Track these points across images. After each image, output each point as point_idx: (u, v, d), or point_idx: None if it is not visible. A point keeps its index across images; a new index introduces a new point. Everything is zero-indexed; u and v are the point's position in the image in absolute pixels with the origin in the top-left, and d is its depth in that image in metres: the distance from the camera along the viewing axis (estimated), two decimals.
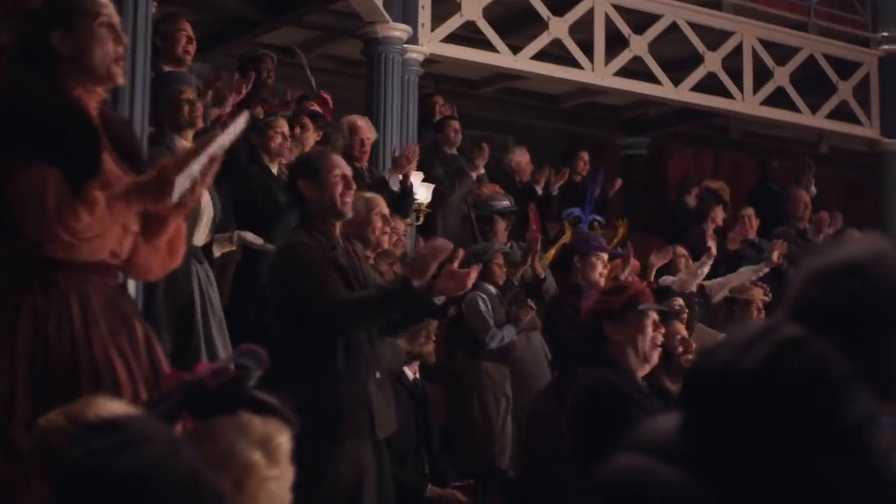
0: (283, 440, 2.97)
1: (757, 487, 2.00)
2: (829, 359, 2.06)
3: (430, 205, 10.02)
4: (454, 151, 10.94)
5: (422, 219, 9.86)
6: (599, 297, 5.45)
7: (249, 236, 7.32)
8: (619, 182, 12.28)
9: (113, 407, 2.95)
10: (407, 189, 8.96)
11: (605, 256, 7.96)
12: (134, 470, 2.04)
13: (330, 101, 9.58)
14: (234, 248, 7.36)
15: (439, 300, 5.31)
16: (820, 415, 2.02)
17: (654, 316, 5.25)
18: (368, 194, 6.41)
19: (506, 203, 9.93)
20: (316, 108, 9.24)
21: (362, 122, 9.37)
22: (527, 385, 8.39)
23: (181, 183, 3.95)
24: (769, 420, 2.03)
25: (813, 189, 13.64)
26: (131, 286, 5.45)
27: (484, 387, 8.26)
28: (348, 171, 5.58)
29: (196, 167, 3.98)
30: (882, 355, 2.15)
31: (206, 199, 6.69)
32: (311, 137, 8.82)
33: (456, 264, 5.36)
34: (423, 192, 9.72)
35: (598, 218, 11.68)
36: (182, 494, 2.02)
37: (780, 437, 2.02)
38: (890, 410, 2.16)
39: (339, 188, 5.47)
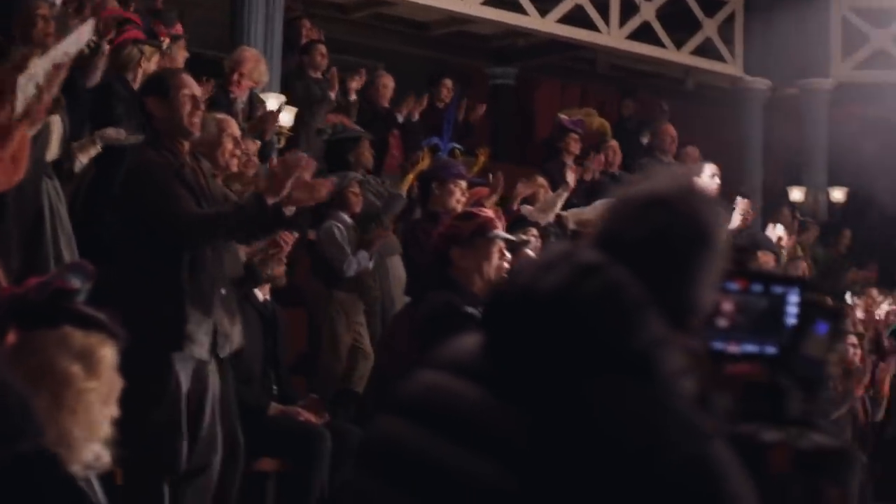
0: (106, 353, 2.98)
1: (549, 403, 2.06)
2: (623, 285, 2.13)
3: (292, 128, 9.97)
4: (319, 76, 10.89)
5: (283, 142, 9.81)
6: (448, 223, 5.52)
7: (110, 132, 7.25)
8: (482, 108, 12.29)
9: None
10: None
11: (464, 184, 8.00)
12: None
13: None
14: (98, 148, 7.27)
15: (290, 211, 5.32)
16: (611, 337, 2.09)
17: (500, 244, 5.35)
18: (220, 115, 6.38)
19: (356, 130, 9.91)
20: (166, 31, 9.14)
21: (249, 54, 9.35)
22: (387, 311, 8.45)
23: (24, 86, 3.92)
24: (563, 340, 2.10)
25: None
26: None
27: (335, 317, 8.29)
28: (198, 90, 5.56)
29: (39, 71, 3.95)
30: (677, 286, 2.23)
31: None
32: (181, 57, 8.78)
33: (308, 175, 5.38)
34: (285, 116, 9.68)
35: (458, 146, 11.69)
36: None
37: (573, 357, 2.08)
38: (681, 339, 2.25)
39: (188, 107, 5.45)
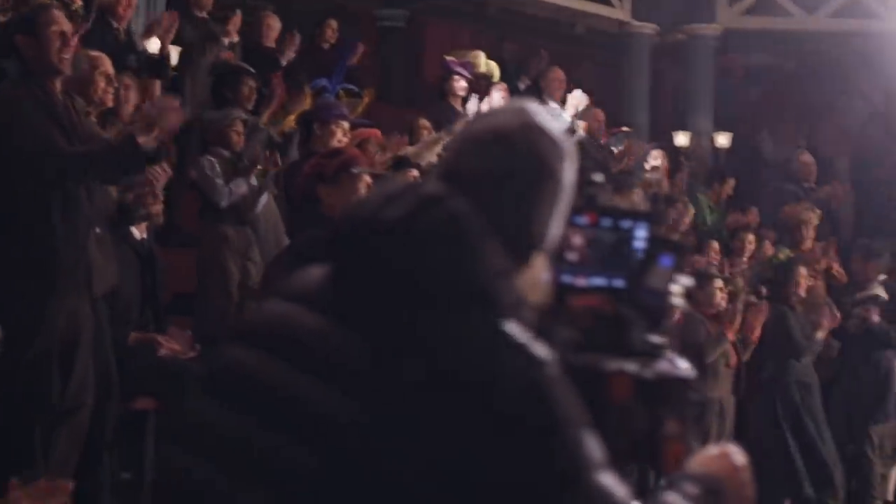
0: None
1: (391, 333, 2.10)
2: (464, 217, 2.16)
3: (177, 67, 9.86)
4: (204, 14, 10.79)
5: (167, 80, 9.71)
6: (314, 161, 5.54)
7: None
8: (362, 48, 12.24)
9: None
10: None
11: (346, 125, 8.00)
12: None
13: None
14: None
15: (148, 143, 5.29)
16: (451, 268, 2.12)
17: (367, 179, 5.37)
18: (93, 52, 6.32)
19: (238, 66, 9.83)
20: None
21: None
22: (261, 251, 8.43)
23: None
24: (405, 270, 2.13)
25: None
26: None
27: (225, 253, 8.24)
28: (67, 26, 5.50)
29: None
30: (519, 220, 2.27)
31: None
32: None
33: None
34: (171, 54, 9.58)
35: (351, 87, 11.65)
36: None
37: (414, 287, 2.12)
38: (522, 271, 2.29)
39: (57, 44, 5.39)
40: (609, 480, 2.07)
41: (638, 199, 10.08)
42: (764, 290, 10.37)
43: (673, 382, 2.44)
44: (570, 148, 2.38)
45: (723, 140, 14.94)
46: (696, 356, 8.77)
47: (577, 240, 2.53)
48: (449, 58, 12.67)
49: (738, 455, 2.37)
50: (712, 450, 2.37)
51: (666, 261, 2.56)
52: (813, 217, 11.27)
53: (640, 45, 15.28)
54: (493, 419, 2.03)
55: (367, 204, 2.23)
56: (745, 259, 11.07)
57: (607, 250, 2.55)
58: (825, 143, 15.80)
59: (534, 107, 2.36)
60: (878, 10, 14.87)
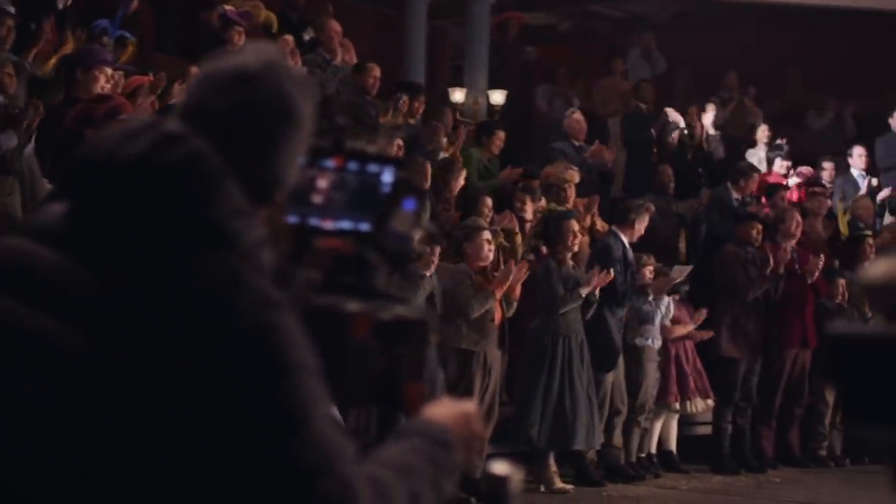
0: None
1: (127, 269, 2.09)
2: (203, 155, 2.16)
3: None
4: None
5: None
6: (82, 105, 5.47)
7: None
8: (136, 4, 12.05)
9: None
10: None
11: (110, 70, 7.86)
12: None
13: None
14: None
15: None
16: (189, 206, 2.12)
17: None
18: None
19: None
20: None
21: None
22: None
23: None
24: (142, 207, 2.12)
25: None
26: None
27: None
28: None
29: None
30: (260, 160, 2.27)
31: None
32: None
33: None
34: None
35: (127, 34, 11.43)
36: None
37: (151, 225, 2.11)
38: (265, 212, 2.30)
39: None
40: (331, 428, 2.09)
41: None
42: (543, 249, 10.51)
43: (412, 325, 2.47)
44: (310, 89, 2.39)
45: (497, 97, 15.09)
46: (459, 309, 8.89)
47: (324, 183, 2.54)
48: (227, 7, 12.54)
49: (470, 406, 2.41)
50: (446, 400, 2.41)
51: (409, 204, 2.59)
52: (574, 175, 11.46)
53: (419, 1, 15.32)
54: (222, 359, 2.04)
55: (105, 140, 2.21)
56: (527, 218, 11.13)
57: (353, 194, 2.56)
58: (599, 103, 16.13)
59: (276, 48, 2.37)
60: None
